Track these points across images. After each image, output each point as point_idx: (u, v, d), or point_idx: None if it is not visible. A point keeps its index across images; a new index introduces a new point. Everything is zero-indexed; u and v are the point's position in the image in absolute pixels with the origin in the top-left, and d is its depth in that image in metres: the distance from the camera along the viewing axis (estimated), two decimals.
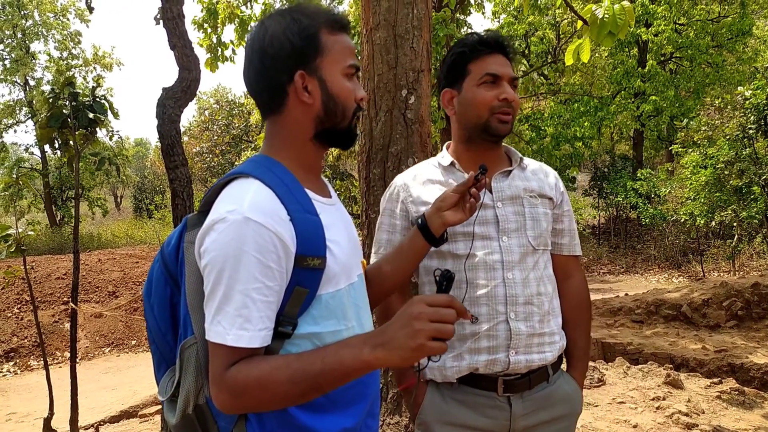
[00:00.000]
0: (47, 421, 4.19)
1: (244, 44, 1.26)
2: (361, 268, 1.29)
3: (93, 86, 5.08)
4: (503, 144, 1.70)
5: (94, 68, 24.05)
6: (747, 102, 9.22)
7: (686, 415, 3.76)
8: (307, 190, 1.17)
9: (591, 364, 4.72)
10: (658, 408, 3.90)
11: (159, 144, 3.74)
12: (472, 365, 1.54)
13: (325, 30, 1.18)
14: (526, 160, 1.70)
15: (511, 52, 1.61)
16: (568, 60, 3.09)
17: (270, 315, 1.06)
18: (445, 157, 1.67)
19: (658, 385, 4.32)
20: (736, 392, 4.23)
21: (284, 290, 1.08)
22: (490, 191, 1.60)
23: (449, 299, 1.01)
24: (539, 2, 15.52)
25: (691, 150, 11.14)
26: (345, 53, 1.19)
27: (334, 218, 1.21)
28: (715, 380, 4.56)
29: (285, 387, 1.02)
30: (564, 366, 1.72)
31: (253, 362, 1.04)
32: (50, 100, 4.93)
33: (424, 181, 1.65)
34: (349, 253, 1.20)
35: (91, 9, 5.41)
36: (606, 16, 2.86)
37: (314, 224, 1.12)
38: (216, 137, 20.59)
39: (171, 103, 3.40)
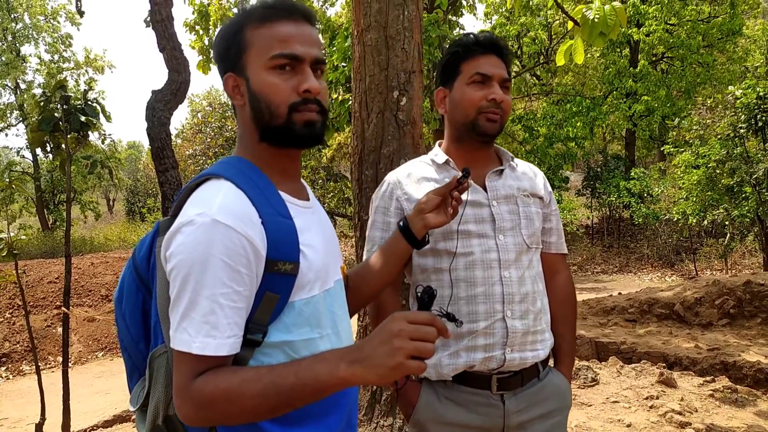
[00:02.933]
0: (39, 427, 4.15)
1: None
2: (339, 273, 1.24)
3: (85, 89, 5.05)
4: (494, 145, 1.71)
5: (86, 71, 23.93)
6: (738, 101, 9.27)
7: (679, 413, 3.77)
8: (282, 193, 1.12)
9: (584, 363, 4.73)
10: (651, 407, 3.91)
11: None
12: (469, 362, 1.54)
13: (251, 24, 1.10)
14: (516, 161, 1.72)
15: (506, 54, 1.61)
16: (560, 61, 3.10)
17: (239, 322, 1.01)
18: (439, 155, 1.67)
19: (652, 384, 4.33)
20: (729, 390, 4.25)
21: (254, 296, 1.03)
22: (485, 190, 1.60)
23: (431, 317, 0.97)
24: (531, 3, 15.59)
25: (682, 149, 11.20)
26: (270, 44, 1.08)
27: (311, 222, 1.16)
28: (708, 378, 4.58)
29: (255, 401, 0.97)
30: (551, 361, 1.74)
31: (222, 373, 0.99)
32: (41, 104, 4.90)
33: (419, 179, 1.64)
34: (325, 258, 1.15)
35: (81, 13, 5.37)
36: (597, 17, 2.87)
37: (287, 228, 1.07)
38: (209, 140, 20.50)
39: (160, 106, 3.39)
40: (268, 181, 1.12)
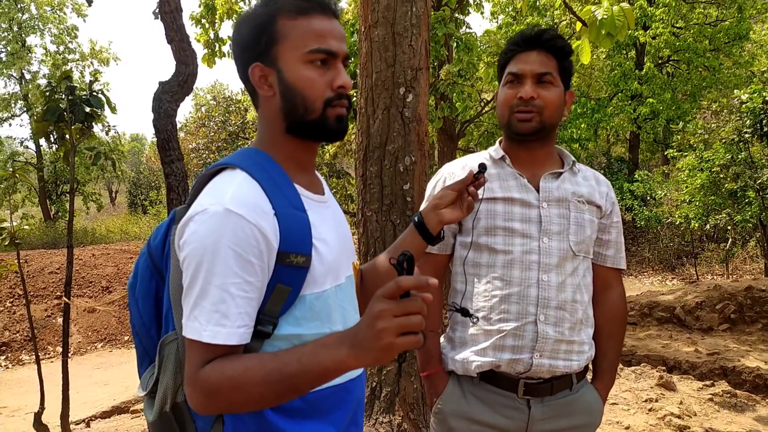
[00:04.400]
0: (38, 416, 4.16)
1: None
2: (351, 269, 1.23)
3: (90, 80, 5.06)
4: (557, 146, 1.68)
5: (91, 63, 23.93)
6: (743, 106, 9.24)
7: (678, 417, 3.77)
8: (297, 186, 1.12)
9: None
10: (650, 410, 3.90)
11: (155, 139, 3.73)
12: (495, 362, 1.53)
13: (284, 15, 1.09)
14: (580, 166, 1.67)
15: (549, 45, 1.55)
16: None
17: (250, 312, 1.01)
18: (497, 150, 1.65)
19: (651, 387, 4.33)
20: (728, 395, 4.25)
21: (266, 287, 1.03)
22: (537, 191, 1.58)
23: (402, 285, 0.89)
24: (538, 3, 15.56)
25: (686, 153, 11.17)
26: (307, 38, 1.09)
27: (325, 216, 1.16)
28: (708, 383, 4.58)
29: (259, 388, 0.97)
30: (589, 376, 1.70)
31: (228, 361, 0.99)
32: (46, 94, 4.90)
33: None
34: (337, 253, 1.15)
35: (90, 2, 5.38)
36: (605, 17, 2.86)
37: (300, 220, 1.07)
38: (212, 134, 20.51)
39: (167, 98, 3.39)
40: (283, 173, 1.12)
